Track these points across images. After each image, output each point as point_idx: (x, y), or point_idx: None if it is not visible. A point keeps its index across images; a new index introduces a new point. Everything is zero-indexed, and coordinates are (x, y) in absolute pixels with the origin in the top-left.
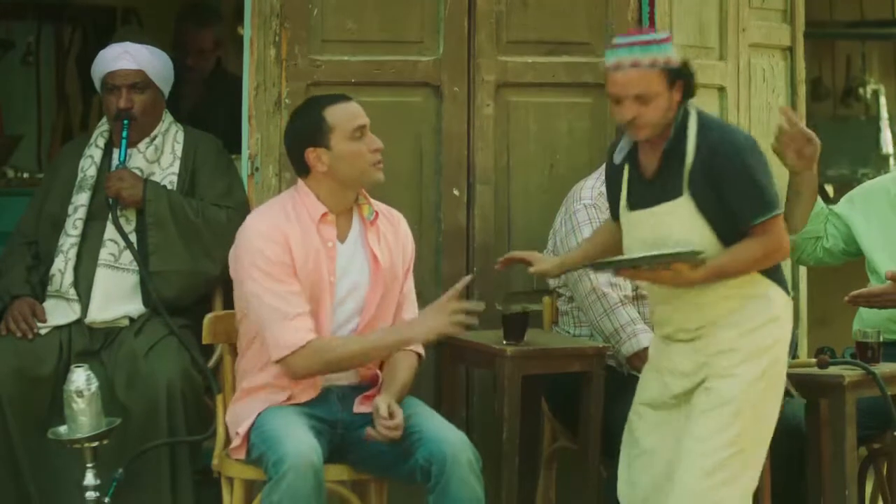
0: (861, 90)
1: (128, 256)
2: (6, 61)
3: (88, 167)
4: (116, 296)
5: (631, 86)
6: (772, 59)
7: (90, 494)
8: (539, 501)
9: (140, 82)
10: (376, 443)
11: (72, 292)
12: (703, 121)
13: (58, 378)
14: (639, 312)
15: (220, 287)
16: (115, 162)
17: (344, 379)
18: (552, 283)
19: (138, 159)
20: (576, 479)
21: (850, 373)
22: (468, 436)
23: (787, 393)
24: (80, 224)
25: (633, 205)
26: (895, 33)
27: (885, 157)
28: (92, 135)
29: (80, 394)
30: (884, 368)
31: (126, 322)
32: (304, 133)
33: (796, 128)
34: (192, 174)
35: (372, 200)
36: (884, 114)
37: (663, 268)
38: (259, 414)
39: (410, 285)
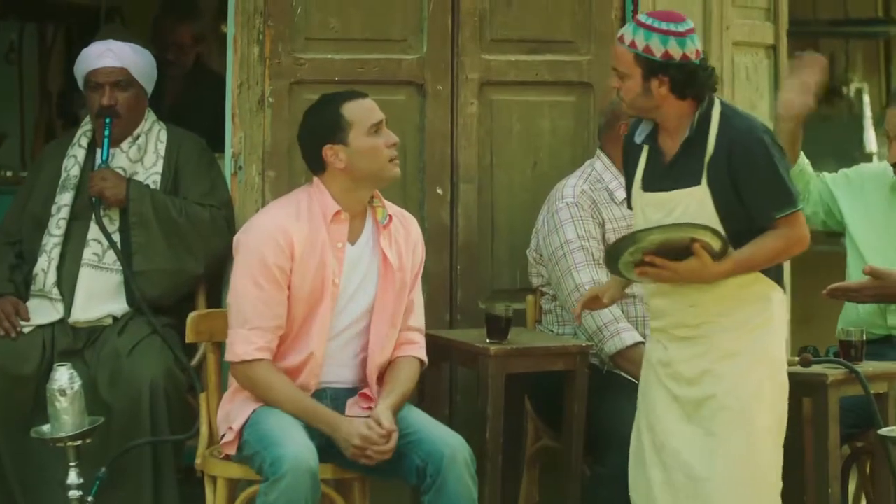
0: (845, 89)
1: (111, 256)
2: None
3: (72, 167)
4: (100, 295)
5: (614, 58)
6: (755, 57)
7: (73, 493)
8: (522, 500)
9: (123, 80)
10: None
11: (55, 292)
12: (727, 112)
13: (41, 377)
14: (622, 311)
15: (203, 286)
16: (98, 161)
17: (338, 381)
18: (535, 281)
19: (121, 158)
20: (559, 478)
21: (833, 371)
22: None
23: None
24: (63, 224)
25: (648, 186)
26: (879, 32)
27: (869, 156)
28: (75, 134)
29: (62, 392)
30: (867, 367)
31: (110, 321)
32: (322, 129)
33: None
34: (175, 173)
35: (386, 203)
36: (867, 112)
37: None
38: (254, 411)
39: (419, 291)
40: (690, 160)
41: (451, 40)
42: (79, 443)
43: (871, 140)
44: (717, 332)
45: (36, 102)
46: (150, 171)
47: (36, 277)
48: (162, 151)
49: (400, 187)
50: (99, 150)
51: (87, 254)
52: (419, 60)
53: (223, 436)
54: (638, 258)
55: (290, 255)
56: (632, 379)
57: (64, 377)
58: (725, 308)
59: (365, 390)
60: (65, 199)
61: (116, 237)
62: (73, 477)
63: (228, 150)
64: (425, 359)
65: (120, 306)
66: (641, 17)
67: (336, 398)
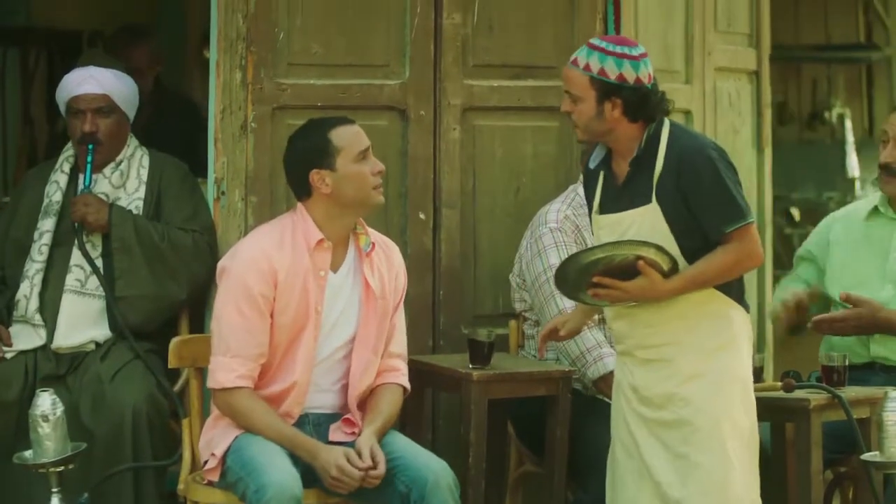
0: (827, 114)
1: (94, 282)
2: None
3: (54, 192)
4: (82, 321)
5: (567, 82)
6: (738, 82)
7: None
8: None
9: (105, 106)
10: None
11: (37, 318)
12: (675, 131)
13: (23, 403)
14: (605, 336)
15: (186, 311)
16: (80, 187)
17: (321, 407)
18: (518, 306)
19: (104, 184)
20: (542, 503)
21: (815, 396)
22: None
23: None
24: (45, 250)
25: (604, 208)
26: (861, 57)
27: (851, 181)
28: (57, 160)
29: (45, 418)
30: (849, 392)
31: (92, 347)
32: (310, 154)
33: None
34: (157, 198)
35: (369, 230)
36: (849, 137)
37: (628, 268)
38: (236, 437)
39: (401, 317)
40: (641, 180)
41: (434, 65)
42: (61, 468)
43: (853, 165)
44: (679, 355)
45: (18, 128)
46: (133, 197)
47: (18, 303)
48: (144, 177)
49: (382, 212)
50: (81, 176)
51: (70, 279)
52: (402, 86)
53: (206, 462)
54: (587, 279)
55: (274, 282)
56: None
57: (46, 403)
58: (683, 328)
59: (348, 416)
60: (47, 224)
61: (99, 262)
62: (55, 503)
63: (211, 176)
64: (408, 386)
65: (102, 332)
66: (595, 41)
67: (318, 424)
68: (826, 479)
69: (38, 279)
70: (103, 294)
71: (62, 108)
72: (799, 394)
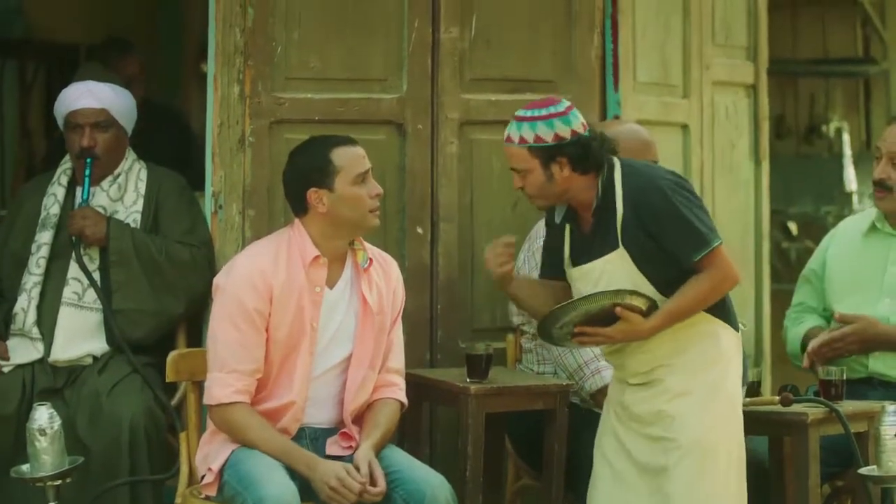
0: (824, 128)
1: (91, 295)
2: None
3: (52, 205)
4: (80, 334)
5: (510, 159)
6: (735, 96)
7: None
8: None
9: (103, 121)
10: None
11: (35, 331)
12: (626, 171)
13: (20, 416)
14: (602, 349)
15: (183, 325)
16: (78, 200)
17: (318, 421)
18: (516, 320)
19: (102, 197)
20: None
21: (813, 410)
22: None
23: None
24: (43, 262)
25: (576, 260)
26: (859, 71)
27: (849, 195)
28: (55, 172)
29: (42, 432)
30: (847, 406)
31: (90, 360)
32: (309, 172)
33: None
34: (155, 212)
35: (366, 245)
36: (847, 151)
37: (609, 312)
38: (232, 452)
39: (399, 332)
40: (605, 227)
41: (432, 80)
42: (59, 482)
43: (850, 178)
44: (668, 375)
45: (16, 140)
46: (131, 210)
47: (16, 316)
48: (142, 190)
49: (380, 227)
50: (79, 189)
51: (67, 292)
52: (399, 100)
53: (203, 477)
54: (570, 329)
55: (269, 298)
56: None
57: (44, 416)
58: (674, 350)
59: (344, 430)
60: (45, 237)
61: (96, 276)
62: None
63: (209, 189)
64: (405, 401)
65: (100, 345)
66: (519, 113)
67: (315, 438)
68: (824, 494)
69: (35, 292)
70: (101, 307)
71: (60, 123)
72: (797, 408)
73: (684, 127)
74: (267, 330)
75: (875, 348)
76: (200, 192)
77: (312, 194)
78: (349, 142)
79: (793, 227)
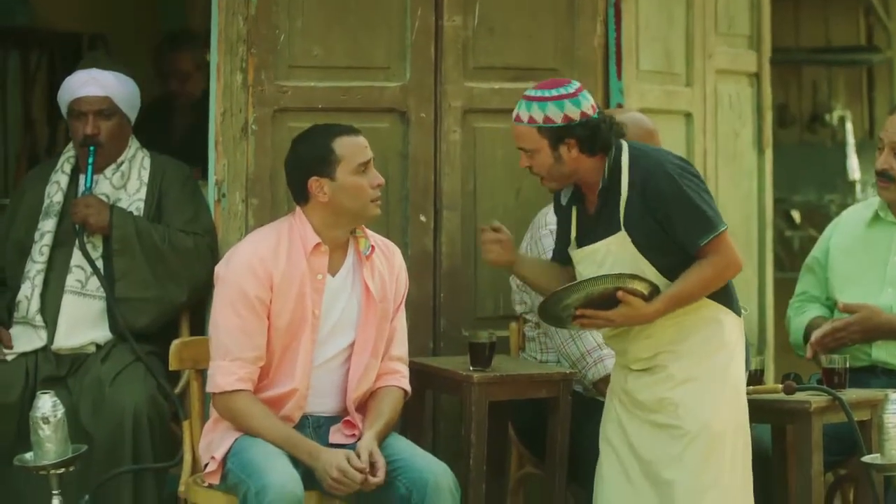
0: (827, 116)
1: (95, 283)
2: None
3: (55, 193)
4: (83, 322)
5: (518, 139)
6: (738, 85)
7: None
8: None
9: (106, 109)
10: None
11: (38, 319)
12: (635, 154)
13: (24, 405)
14: (604, 340)
15: (187, 313)
16: (81, 188)
17: (321, 409)
18: (518, 308)
19: (105, 185)
20: None
21: (816, 399)
22: None
23: None
24: (46, 250)
25: (581, 242)
26: (862, 59)
27: (852, 184)
28: (58, 160)
29: (45, 420)
30: (850, 394)
31: (93, 348)
32: (310, 161)
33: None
34: (158, 200)
35: (369, 232)
36: (850, 140)
37: (611, 296)
38: (236, 440)
39: (402, 319)
40: (609, 209)
41: (435, 68)
42: (62, 470)
43: (853, 167)
44: (672, 361)
45: (19, 129)
46: (134, 198)
47: (19, 304)
48: (145, 178)
49: (383, 215)
50: (82, 177)
51: (71, 280)
52: (402, 88)
53: (206, 465)
54: (571, 312)
55: (269, 285)
56: None
57: (47, 405)
58: (677, 336)
59: (348, 418)
60: (48, 225)
61: (100, 264)
62: None
63: (212, 178)
64: (408, 388)
65: (103, 333)
66: (529, 93)
67: (318, 426)
68: (827, 482)
69: (38, 280)
70: (104, 295)
71: (63, 111)
72: (800, 396)
73: (687, 115)
74: (268, 317)
75: (878, 337)
76: (204, 181)
77: (314, 183)
78: (351, 131)
79: (796, 215)
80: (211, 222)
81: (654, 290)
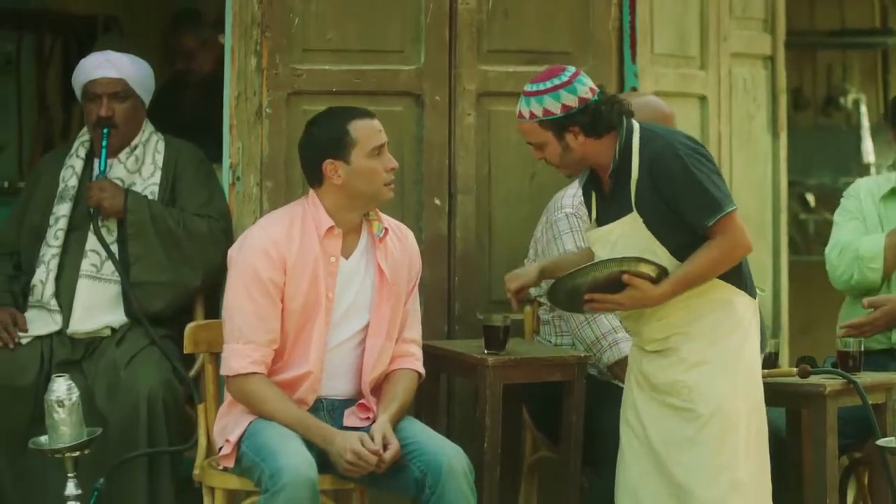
0: (842, 99)
1: (109, 267)
2: None
3: (69, 177)
4: (98, 306)
5: (524, 135)
6: (753, 68)
7: None
8: None
9: (121, 91)
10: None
11: (53, 303)
12: (645, 135)
13: (39, 388)
14: (620, 321)
15: (201, 296)
16: (95, 172)
17: (335, 392)
18: (533, 291)
19: (119, 169)
20: (557, 489)
21: (831, 382)
22: None
23: None
24: (61, 234)
25: (597, 222)
26: (876, 42)
27: (867, 167)
28: (73, 145)
29: (60, 403)
30: (865, 377)
31: (108, 332)
32: (325, 143)
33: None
34: (173, 184)
35: (382, 215)
36: (865, 123)
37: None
38: (250, 423)
39: (415, 302)
40: (622, 190)
41: (449, 51)
42: (77, 454)
43: (868, 150)
44: (684, 343)
45: (34, 113)
46: (148, 182)
47: (34, 288)
48: (160, 162)
49: (398, 198)
50: (97, 161)
51: (85, 264)
52: (417, 71)
53: (220, 448)
54: (580, 296)
55: (283, 268)
56: None
57: (62, 388)
58: (689, 317)
59: (362, 401)
60: (63, 209)
61: (114, 248)
62: (70, 488)
63: (226, 161)
64: (423, 371)
65: (118, 317)
66: (527, 88)
67: (332, 409)
68: (841, 465)
69: (53, 264)
70: (119, 279)
71: (78, 93)
72: (814, 379)
73: (702, 98)
74: (282, 300)
75: None
76: (218, 164)
77: (328, 166)
78: (366, 114)
79: (810, 198)
80: (225, 206)
81: (663, 273)
